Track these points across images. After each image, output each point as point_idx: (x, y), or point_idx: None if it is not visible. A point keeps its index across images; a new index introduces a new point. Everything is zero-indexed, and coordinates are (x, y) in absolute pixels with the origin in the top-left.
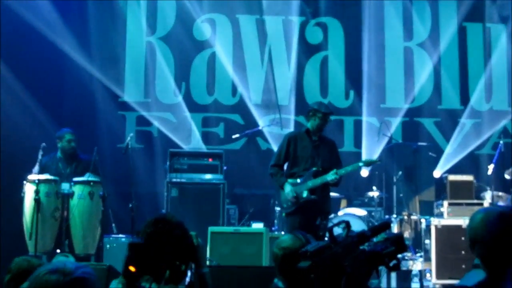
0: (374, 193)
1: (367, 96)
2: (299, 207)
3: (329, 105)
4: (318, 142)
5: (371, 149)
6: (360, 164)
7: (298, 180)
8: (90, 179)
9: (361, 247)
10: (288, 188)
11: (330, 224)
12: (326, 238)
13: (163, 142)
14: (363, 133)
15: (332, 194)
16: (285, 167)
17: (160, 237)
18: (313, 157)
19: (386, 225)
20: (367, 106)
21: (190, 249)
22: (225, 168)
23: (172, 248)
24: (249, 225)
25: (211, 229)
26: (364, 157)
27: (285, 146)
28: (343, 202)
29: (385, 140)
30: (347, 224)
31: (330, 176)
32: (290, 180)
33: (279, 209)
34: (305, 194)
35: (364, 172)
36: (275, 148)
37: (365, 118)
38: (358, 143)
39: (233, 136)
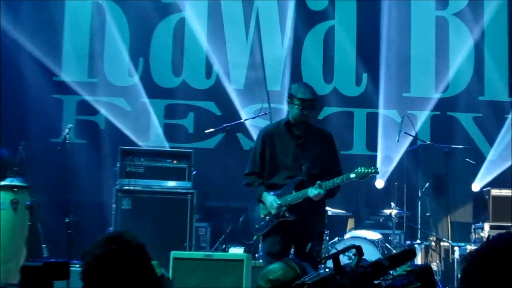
0: (392, 211)
1: (386, 82)
2: (277, 226)
3: (314, 90)
4: (304, 138)
5: (389, 151)
6: (352, 175)
7: (277, 193)
8: (13, 183)
9: (375, 281)
10: (269, 198)
11: (330, 250)
12: (327, 269)
13: (112, 136)
14: (379, 130)
15: (335, 210)
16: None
17: (113, 262)
18: (297, 159)
19: (409, 253)
20: (385, 95)
21: (151, 281)
22: (194, 172)
23: (126, 278)
24: (226, 250)
25: (174, 254)
26: (379, 163)
27: (259, 147)
28: (350, 222)
29: (408, 140)
30: (358, 250)
31: (312, 191)
32: (270, 192)
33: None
34: (281, 213)
35: (379, 183)
36: None
37: (382, 111)
38: (372, 143)
39: (206, 131)
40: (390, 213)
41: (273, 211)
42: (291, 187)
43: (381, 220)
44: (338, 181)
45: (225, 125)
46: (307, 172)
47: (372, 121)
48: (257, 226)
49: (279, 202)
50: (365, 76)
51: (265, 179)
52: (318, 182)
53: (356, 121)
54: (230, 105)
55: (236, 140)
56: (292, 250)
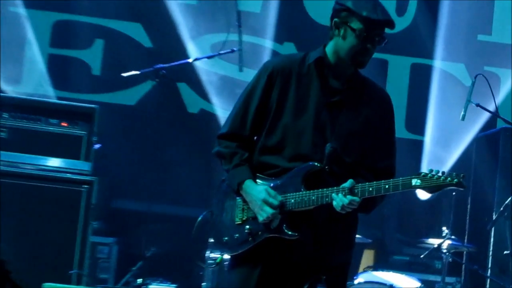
0: (443, 242)
1: (449, 14)
2: (261, 247)
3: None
4: (344, 95)
5: (446, 135)
6: (416, 182)
7: (271, 184)
8: None
9: None
10: (258, 190)
11: None
12: None
13: None
14: (431, 97)
15: None
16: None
17: None
18: (322, 129)
19: None
20: (446, 36)
21: None
22: (98, 146)
23: None
24: (145, 286)
25: (47, 286)
26: (427, 157)
27: (261, 89)
28: (368, 255)
29: (482, 118)
30: None
31: (338, 198)
32: (258, 181)
33: (214, 254)
34: (275, 223)
35: (423, 193)
36: (223, 111)
37: (438, 63)
38: (416, 119)
39: (124, 74)
40: (439, 246)
41: (261, 217)
42: (298, 179)
43: (422, 256)
44: (387, 187)
45: (158, 66)
46: (332, 157)
47: (419, 80)
48: (225, 239)
49: (277, 201)
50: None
51: (256, 154)
52: (351, 181)
53: (392, 76)
54: (171, 32)
55: (176, 94)
56: None
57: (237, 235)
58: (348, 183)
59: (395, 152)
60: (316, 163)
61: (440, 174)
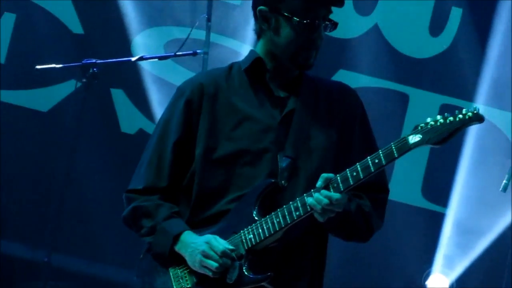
0: None
1: (503, 43)
2: None
3: None
4: (297, 101)
5: (482, 211)
6: (414, 139)
7: (215, 229)
8: None
9: None
10: (199, 240)
11: None
12: None
13: None
14: (463, 154)
15: None
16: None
17: None
18: (278, 145)
19: None
20: (497, 70)
21: None
22: None
23: None
24: None
25: None
26: (446, 239)
27: (178, 120)
28: None
29: None
30: None
31: (317, 197)
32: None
33: None
34: (234, 275)
35: (440, 281)
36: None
37: (480, 108)
38: (438, 184)
39: (38, 67)
40: None
41: (211, 271)
42: (249, 209)
43: None
44: (377, 161)
45: (88, 61)
46: (290, 170)
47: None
48: None
49: (228, 247)
50: (456, 13)
51: (187, 206)
52: (324, 175)
53: (412, 118)
54: (111, 17)
55: (108, 105)
56: None
57: None
58: (320, 180)
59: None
60: (265, 182)
61: (443, 116)
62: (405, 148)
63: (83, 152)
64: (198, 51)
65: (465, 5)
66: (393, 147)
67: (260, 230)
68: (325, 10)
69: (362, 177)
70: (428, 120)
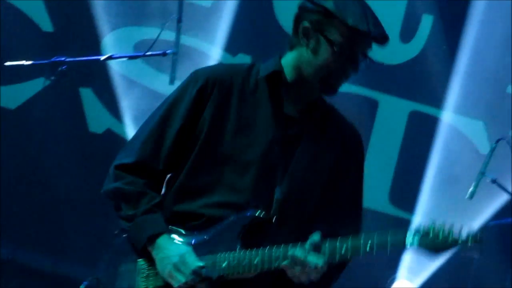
0: None
1: (473, 51)
2: None
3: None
4: (303, 127)
5: (448, 218)
6: (411, 240)
7: (193, 241)
8: None
9: None
10: (174, 249)
11: None
12: None
13: None
14: (431, 162)
15: None
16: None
17: None
18: (272, 169)
19: None
20: (467, 78)
21: None
22: None
23: None
24: None
25: None
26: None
27: (188, 105)
28: None
29: (498, 199)
30: None
31: (288, 260)
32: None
33: None
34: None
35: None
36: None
37: (448, 116)
38: (405, 191)
39: (8, 63)
40: None
41: (179, 281)
42: (233, 234)
43: None
44: (369, 247)
45: (58, 58)
46: (282, 206)
47: (417, 135)
48: None
49: (200, 265)
50: (427, 20)
51: (168, 200)
52: (315, 238)
53: (380, 125)
54: (82, 15)
55: (76, 104)
56: None
57: None
58: (316, 236)
59: (362, 210)
60: (259, 211)
61: (448, 229)
62: (399, 245)
63: (51, 150)
64: (167, 51)
65: (436, 12)
66: (388, 240)
67: (235, 263)
68: (369, 46)
69: (348, 257)
70: (430, 226)
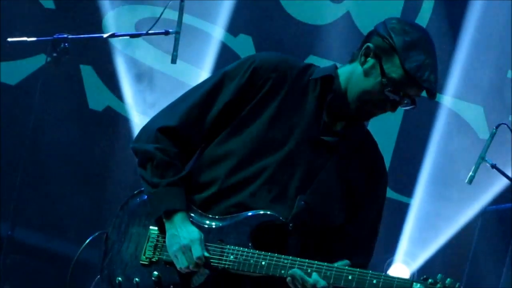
0: None
1: (474, 36)
2: None
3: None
4: (342, 140)
5: (446, 203)
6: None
7: (206, 226)
8: None
9: None
10: (187, 230)
11: None
12: None
13: None
14: (430, 146)
15: None
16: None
17: None
18: (293, 167)
19: None
20: (467, 62)
21: None
22: None
23: None
24: None
25: None
26: (408, 233)
27: (240, 82)
28: None
29: (497, 184)
30: None
31: (302, 278)
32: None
33: None
34: (199, 279)
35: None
36: (137, 115)
37: (448, 99)
38: (405, 175)
39: (10, 39)
40: None
41: (178, 264)
42: (246, 229)
43: None
44: (375, 282)
45: (60, 35)
46: (301, 215)
47: (416, 119)
48: (119, 279)
49: (205, 255)
50: (428, 4)
51: (198, 169)
52: (318, 264)
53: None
54: None
55: (77, 81)
56: None
57: (137, 278)
58: (313, 266)
59: (378, 232)
60: (276, 215)
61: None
62: None
63: (50, 127)
64: (170, 30)
65: None
66: (395, 283)
67: (242, 260)
68: (416, 94)
69: (353, 287)
70: (437, 280)
